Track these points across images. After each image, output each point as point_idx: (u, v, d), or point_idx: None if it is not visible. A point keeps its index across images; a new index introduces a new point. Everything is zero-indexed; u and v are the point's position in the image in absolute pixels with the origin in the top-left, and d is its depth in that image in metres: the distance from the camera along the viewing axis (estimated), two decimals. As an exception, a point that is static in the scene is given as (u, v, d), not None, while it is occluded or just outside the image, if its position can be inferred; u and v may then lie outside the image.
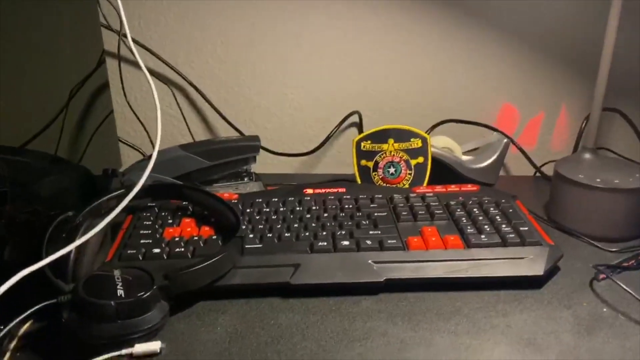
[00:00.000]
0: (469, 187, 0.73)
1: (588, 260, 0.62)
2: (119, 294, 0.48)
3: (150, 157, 0.59)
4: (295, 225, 0.64)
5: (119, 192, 0.62)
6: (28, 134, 0.85)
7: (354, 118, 0.91)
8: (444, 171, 0.77)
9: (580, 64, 0.87)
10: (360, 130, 0.90)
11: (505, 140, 0.81)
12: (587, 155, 0.72)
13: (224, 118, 0.89)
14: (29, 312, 0.48)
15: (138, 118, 0.88)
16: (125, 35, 0.69)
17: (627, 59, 0.77)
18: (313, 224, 0.64)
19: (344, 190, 0.72)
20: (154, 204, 0.68)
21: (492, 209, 0.66)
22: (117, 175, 0.73)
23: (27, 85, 0.84)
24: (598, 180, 0.66)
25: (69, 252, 0.51)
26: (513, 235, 0.61)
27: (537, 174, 0.88)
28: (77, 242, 0.51)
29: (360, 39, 0.87)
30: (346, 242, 0.60)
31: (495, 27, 0.86)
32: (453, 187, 0.73)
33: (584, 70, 0.87)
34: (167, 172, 0.73)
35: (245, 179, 0.80)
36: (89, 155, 0.88)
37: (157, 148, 0.60)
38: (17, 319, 0.48)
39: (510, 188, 0.73)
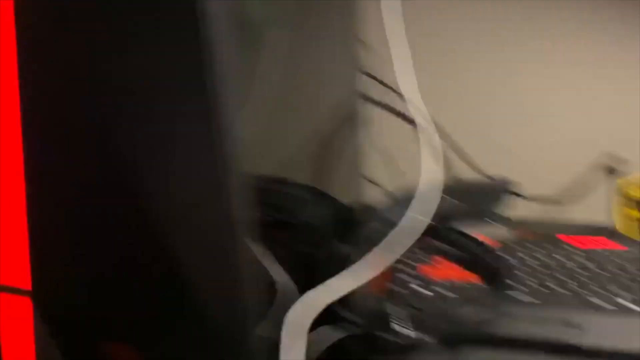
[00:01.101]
0: None
1: None
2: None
3: (410, 196, 0.60)
4: (565, 278, 0.60)
5: (404, 226, 0.62)
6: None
7: (608, 161, 0.84)
8: None
9: None
10: (616, 175, 0.82)
11: None
12: None
13: (465, 160, 0.88)
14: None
15: (383, 155, 0.92)
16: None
17: None
18: (585, 279, 0.60)
19: (618, 246, 0.66)
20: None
21: None
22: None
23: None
24: None
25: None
26: None
27: None
28: (370, 275, 0.52)
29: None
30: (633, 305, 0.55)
31: None
32: None
33: None
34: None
35: (492, 222, 0.78)
36: (334, 190, 0.93)
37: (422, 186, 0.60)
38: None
39: None
